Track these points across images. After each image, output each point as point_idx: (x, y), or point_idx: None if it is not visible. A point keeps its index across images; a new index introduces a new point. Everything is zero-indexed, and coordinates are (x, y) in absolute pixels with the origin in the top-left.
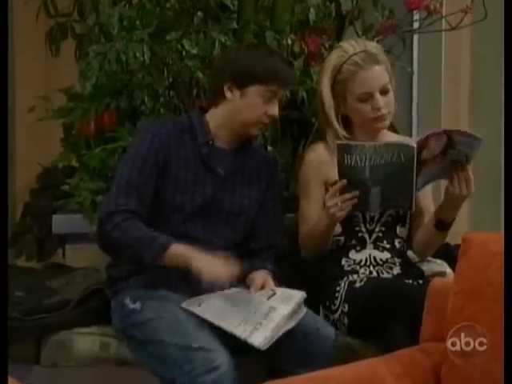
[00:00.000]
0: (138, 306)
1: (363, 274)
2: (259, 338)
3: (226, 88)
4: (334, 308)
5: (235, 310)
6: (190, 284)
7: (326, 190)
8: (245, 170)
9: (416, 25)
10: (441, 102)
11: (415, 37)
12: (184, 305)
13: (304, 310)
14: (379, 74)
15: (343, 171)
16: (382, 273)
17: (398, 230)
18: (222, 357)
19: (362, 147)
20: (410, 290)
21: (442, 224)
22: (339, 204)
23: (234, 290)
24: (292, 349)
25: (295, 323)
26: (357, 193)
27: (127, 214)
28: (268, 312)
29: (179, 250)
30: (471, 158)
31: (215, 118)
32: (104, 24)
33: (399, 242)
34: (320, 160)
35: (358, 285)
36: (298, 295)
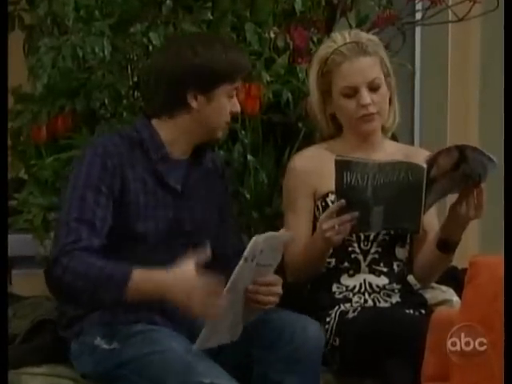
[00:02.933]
0: (116, 345)
1: (357, 302)
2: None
3: (189, 97)
4: None
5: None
6: (166, 314)
7: (315, 202)
8: (200, 180)
9: (418, 16)
10: (447, 104)
11: (417, 29)
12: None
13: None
14: (367, 65)
15: (342, 190)
16: (379, 301)
17: (397, 251)
18: None
19: (365, 165)
20: (411, 322)
21: (445, 244)
22: (336, 227)
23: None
24: (278, 355)
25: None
26: (356, 214)
27: (76, 252)
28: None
29: (144, 283)
30: (484, 179)
31: (169, 128)
32: (57, 14)
33: (398, 265)
34: (308, 168)
35: (350, 315)
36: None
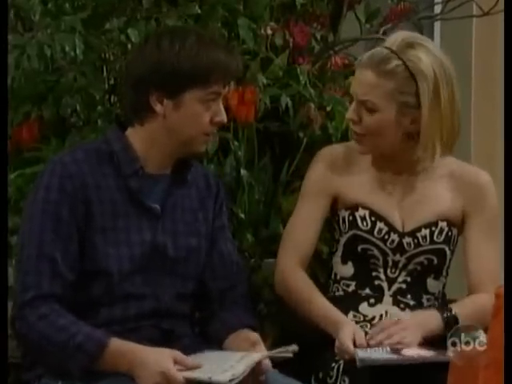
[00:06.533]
0: None
1: None
2: (226, 377)
3: (153, 100)
4: (330, 382)
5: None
6: None
7: (338, 211)
8: (185, 199)
9: (437, 9)
10: (470, 108)
11: (436, 25)
12: None
13: (295, 346)
14: (367, 83)
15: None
16: None
17: (429, 282)
18: None
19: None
20: (432, 362)
21: None
22: (346, 357)
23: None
24: None
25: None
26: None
27: (42, 309)
28: (240, 358)
29: (115, 358)
30: None
31: (142, 138)
32: (21, 7)
33: (429, 300)
34: (336, 166)
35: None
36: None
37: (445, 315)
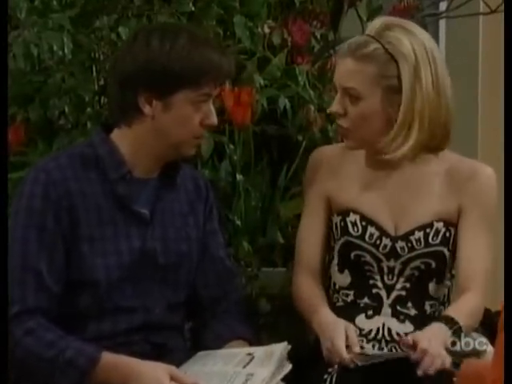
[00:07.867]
0: None
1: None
2: None
3: (141, 101)
4: None
5: None
6: None
7: (331, 212)
8: (174, 203)
9: (442, 6)
10: (477, 106)
11: (441, 23)
12: None
13: (288, 365)
14: (349, 70)
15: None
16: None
17: (432, 287)
18: None
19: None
20: (435, 378)
21: None
22: (336, 361)
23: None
24: None
25: (279, 379)
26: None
27: (30, 323)
28: (245, 381)
29: (108, 372)
30: None
31: (129, 140)
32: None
33: (432, 306)
34: (326, 168)
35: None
36: (279, 349)
37: (452, 329)
